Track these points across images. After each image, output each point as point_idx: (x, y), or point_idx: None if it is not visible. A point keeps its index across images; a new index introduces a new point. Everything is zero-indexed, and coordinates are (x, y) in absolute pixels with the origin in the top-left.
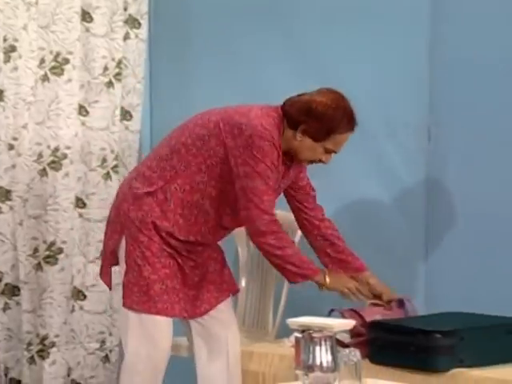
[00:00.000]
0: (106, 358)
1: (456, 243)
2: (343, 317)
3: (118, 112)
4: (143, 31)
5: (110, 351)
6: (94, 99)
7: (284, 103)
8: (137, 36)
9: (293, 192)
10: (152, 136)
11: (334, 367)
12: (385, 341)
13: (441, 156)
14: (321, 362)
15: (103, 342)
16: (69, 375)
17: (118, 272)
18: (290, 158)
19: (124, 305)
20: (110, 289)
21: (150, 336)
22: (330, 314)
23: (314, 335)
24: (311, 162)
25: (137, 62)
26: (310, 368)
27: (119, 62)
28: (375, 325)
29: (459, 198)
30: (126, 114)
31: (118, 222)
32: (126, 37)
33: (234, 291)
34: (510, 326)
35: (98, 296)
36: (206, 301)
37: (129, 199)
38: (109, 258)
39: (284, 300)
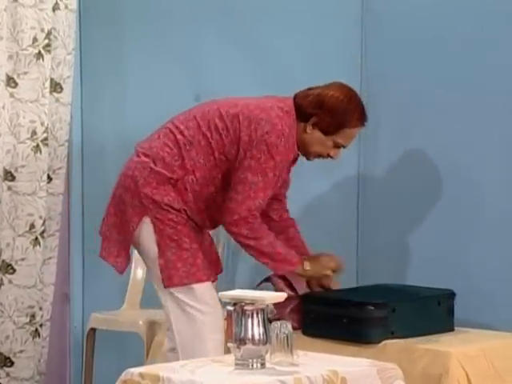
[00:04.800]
0: (36, 333)
1: (387, 216)
2: (274, 284)
3: (47, 84)
4: (73, 1)
5: (41, 326)
6: (23, 70)
7: (295, 96)
8: (66, 6)
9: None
10: (82, 109)
11: (266, 340)
12: (317, 313)
13: (372, 131)
14: (253, 335)
15: (33, 316)
16: None
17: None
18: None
19: (172, 285)
20: (122, 272)
21: (205, 302)
22: (259, 284)
23: (246, 308)
24: (319, 156)
25: (67, 33)
26: (242, 341)
27: (48, 33)
28: (308, 297)
29: (391, 173)
30: (56, 86)
31: (138, 205)
32: (56, 7)
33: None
34: (440, 297)
35: (28, 270)
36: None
37: (151, 183)
38: (119, 240)
39: None
